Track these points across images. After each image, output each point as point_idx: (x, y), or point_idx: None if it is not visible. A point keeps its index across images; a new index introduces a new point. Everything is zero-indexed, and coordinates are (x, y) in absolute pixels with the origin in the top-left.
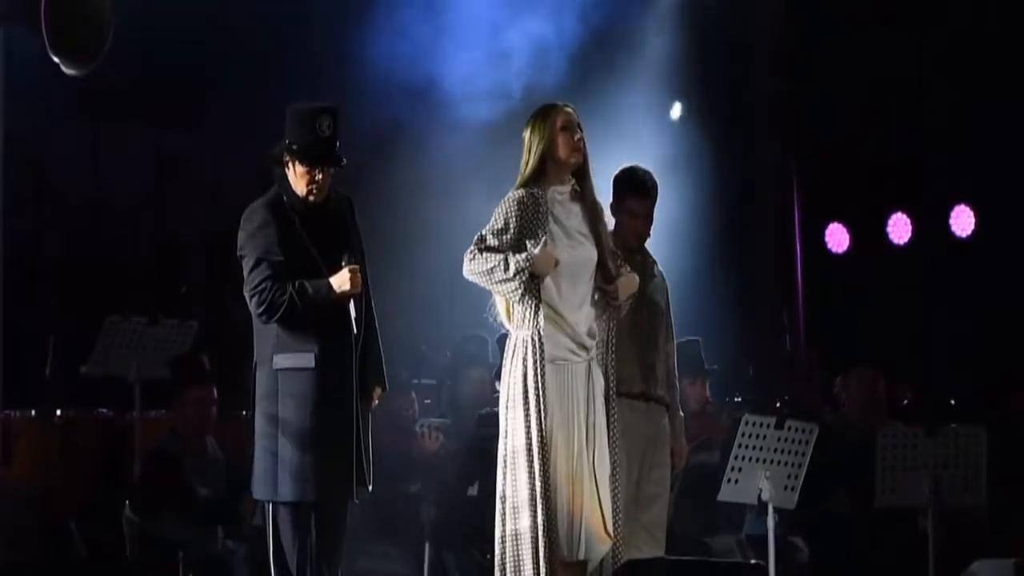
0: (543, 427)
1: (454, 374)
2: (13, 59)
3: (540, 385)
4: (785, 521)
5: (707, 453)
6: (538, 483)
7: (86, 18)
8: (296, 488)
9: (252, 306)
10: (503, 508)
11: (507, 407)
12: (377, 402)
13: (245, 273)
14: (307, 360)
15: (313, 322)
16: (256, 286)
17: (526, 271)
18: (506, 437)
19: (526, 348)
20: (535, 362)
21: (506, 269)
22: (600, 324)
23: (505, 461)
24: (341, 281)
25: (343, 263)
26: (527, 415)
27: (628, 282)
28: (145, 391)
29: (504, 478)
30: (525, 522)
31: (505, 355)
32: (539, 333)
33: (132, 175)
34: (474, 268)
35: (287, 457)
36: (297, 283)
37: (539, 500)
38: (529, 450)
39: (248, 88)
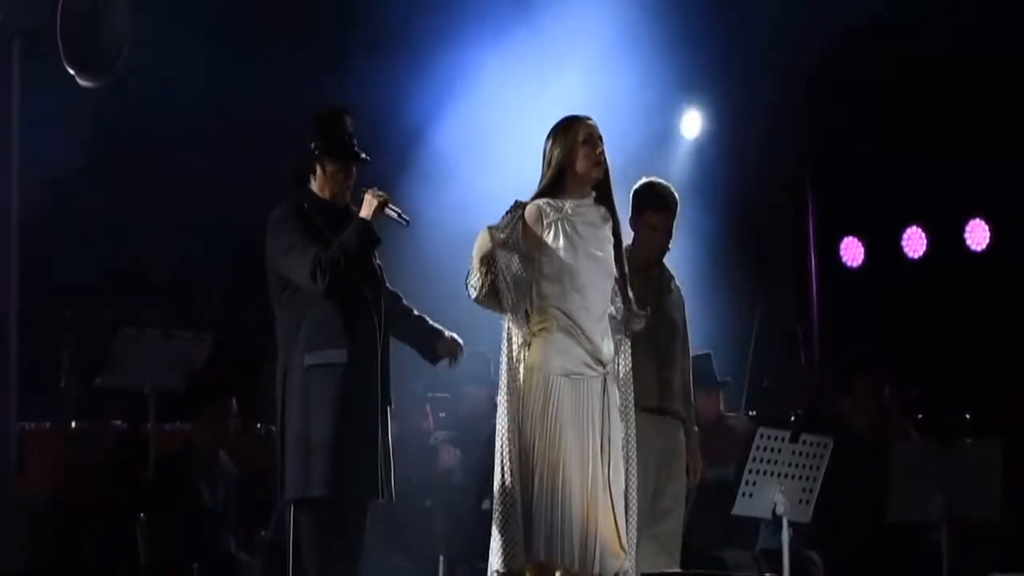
0: (555, 441)
1: (454, 390)
2: (30, 73)
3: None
4: (800, 535)
5: (721, 467)
6: (549, 497)
7: (102, 31)
8: (323, 484)
9: (316, 282)
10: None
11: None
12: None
13: (287, 268)
14: (340, 356)
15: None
16: (311, 262)
17: (476, 261)
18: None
19: (538, 363)
20: (544, 376)
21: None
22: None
23: (513, 467)
24: (366, 207)
25: (360, 196)
26: (535, 429)
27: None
28: (160, 403)
29: (509, 483)
30: (535, 536)
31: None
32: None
33: (147, 186)
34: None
35: (316, 453)
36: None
37: (551, 514)
38: (545, 464)
39: (264, 100)
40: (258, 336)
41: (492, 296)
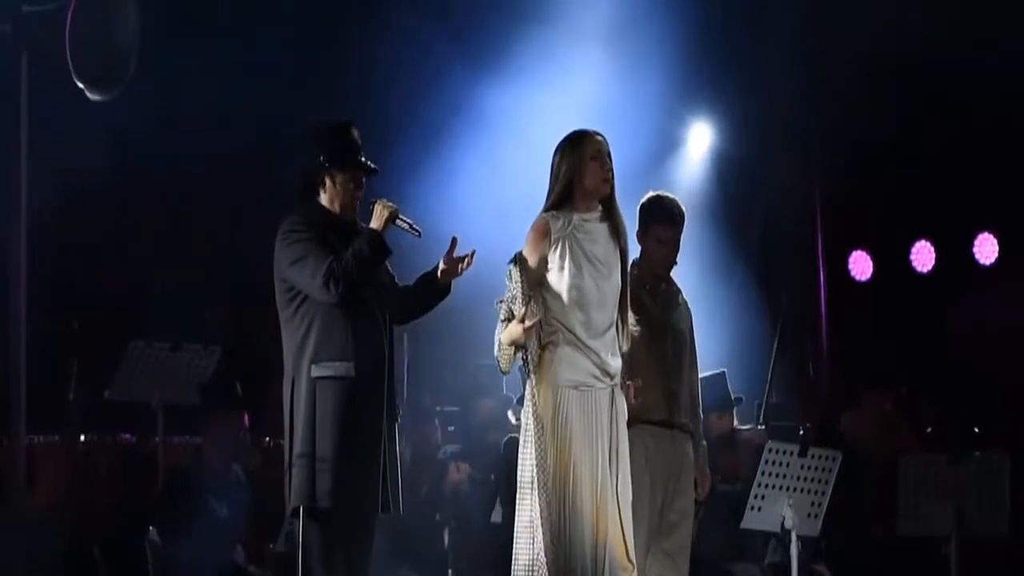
0: (565, 452)
1: (467, 403)
2: (38, 84)
3: (557, 411)
4: (809, 549)
5: (731, 484)
6: (558, 509)
7: (111, 45)
8: (327, 496)
9: (329, 290)
10: (528, 534)
11: (529, 432)
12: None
13: (298, 277)
14: (347, 369)
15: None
16: (324, 271)
17: (501, 345)
18: (527, 462)
19: (547, 375)
20: (553, 388)
21: (499, 346)
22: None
23: (527, 487)
24: (376, 219)
25: (369, 207)
26: (546, 440)
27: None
28: (168, 417)
29: (526, 503)
30: (547, 547)
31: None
32: (553, 360)
33: (155, 199)
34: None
35: (322, 465)
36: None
37: (561, 526)
38: (555, 476)
39: (266, 109)
40: (266, 349)
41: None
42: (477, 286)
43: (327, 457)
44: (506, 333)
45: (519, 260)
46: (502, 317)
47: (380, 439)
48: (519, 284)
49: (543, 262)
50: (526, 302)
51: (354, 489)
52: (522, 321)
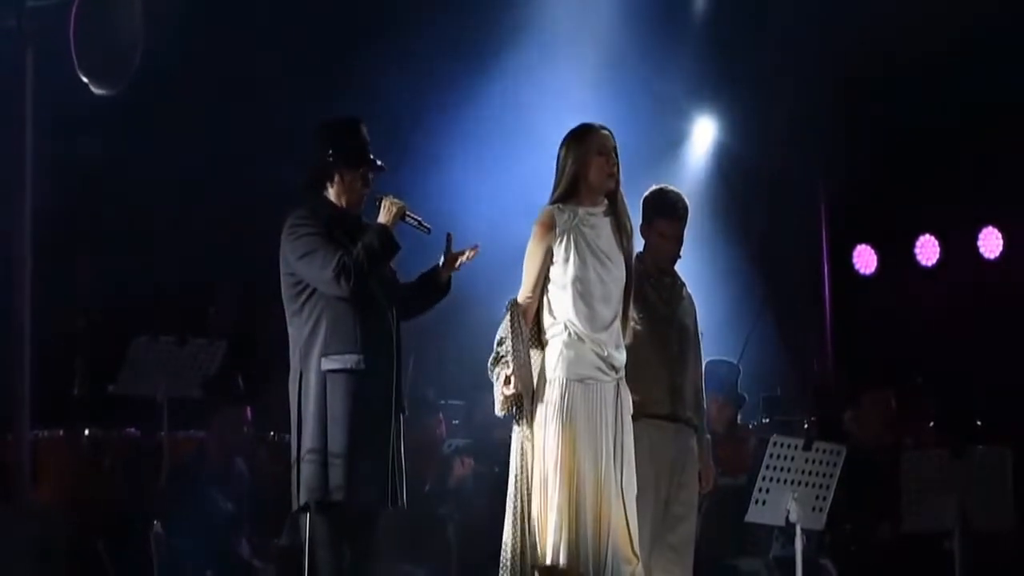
0: (569, 446)
1: (471, 397)
2: (43, 81)
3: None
4: (813, 542)
5: (733, 477)
6: (563, 502)
7: (115, 39)
8: (337, 490)
9: (340, 284)
10: (527, 526)
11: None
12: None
13: (307, 271)
14: (357, 362)
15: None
16: (334, 265)
17: (501, 395)
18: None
19: (552, 369)
20: (558, 382)
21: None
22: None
23: (529, 480)
24: (385, 214)
25: (376, 203)
26: (548, 435)
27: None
28: (173, 411)
29: (523, 496)
30: (549, 540)
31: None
32: (557, 355)
33: (159, 193)
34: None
35: (332, 459)
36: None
37: (565, 519)
38: (558, 469)
39: (269, 106)
40: (271, 344)
41: None
42: (481, 280)
43: (339, 451)
44: (497, 381)
45: (512, 307)
46: (494, 358)
47: (389, 432)
48: (510, 332)
49: (548, 254)
50: (514, 357)
51: (363, 482)
52: (507, 382)
